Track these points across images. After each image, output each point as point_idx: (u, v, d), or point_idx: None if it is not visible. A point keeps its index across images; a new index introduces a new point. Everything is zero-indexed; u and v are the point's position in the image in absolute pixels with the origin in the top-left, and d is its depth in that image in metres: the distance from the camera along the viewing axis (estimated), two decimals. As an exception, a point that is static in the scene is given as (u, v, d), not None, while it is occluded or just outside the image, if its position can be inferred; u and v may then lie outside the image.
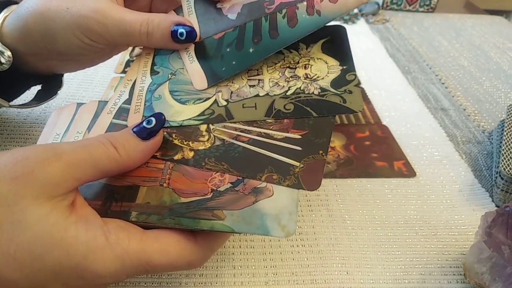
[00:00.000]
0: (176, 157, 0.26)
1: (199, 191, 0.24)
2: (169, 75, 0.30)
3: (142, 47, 0.32)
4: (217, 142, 0.26)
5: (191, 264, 0.23)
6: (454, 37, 0.70)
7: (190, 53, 0.31)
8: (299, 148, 0.26)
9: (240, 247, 0.31)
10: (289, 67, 0.30)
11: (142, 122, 0.25)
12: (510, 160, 0.36)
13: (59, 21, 0.29)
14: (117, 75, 0.44)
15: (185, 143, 0.27)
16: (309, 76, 0.29)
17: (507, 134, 0.39)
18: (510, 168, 0.35)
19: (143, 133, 0.25)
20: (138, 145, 0.24)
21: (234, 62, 0.29)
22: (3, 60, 0.30)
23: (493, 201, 0.37)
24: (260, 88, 0.29)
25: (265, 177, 0.24)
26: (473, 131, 0.46)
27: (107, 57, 0.34)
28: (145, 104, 0.28)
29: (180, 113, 0.28)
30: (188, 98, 0.29)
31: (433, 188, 0.38)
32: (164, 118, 0.26)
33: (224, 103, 0.28)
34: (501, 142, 0.39)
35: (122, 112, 0.28)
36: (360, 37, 0.66)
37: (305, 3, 0.30)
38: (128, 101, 0.29)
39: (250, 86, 0.29)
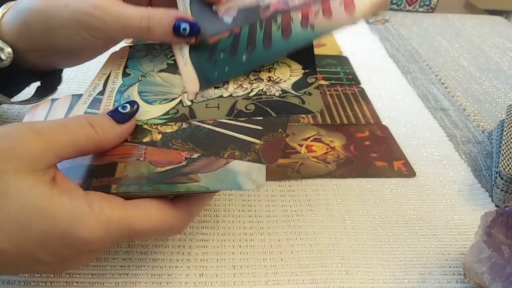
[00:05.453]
0: (145, 140, 0.27)
1: (174, 160, 0.26)
2: (140, 77, 0.31)
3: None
4: (184, 125, 0.28)
5: (173, 229, 0.25)
6: (454, 37, 0.70)
7: (184, 55, 0.31)
8: (260, 128, 0.27)
9: (240, 247, 0.31)
10: (254, 70, 0.31)
11: (117, 108, 0.27)
12: (510, 160, 0.36)
13: (58, 17, 0.29)
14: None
15: (153, 127, 0.28)
16: (272, 79, 0.30)
17: (506, 134, 0.39)
18: (510, 168, 0.35)
19: (118, 117, 0.26)
20: (113, 127, 0.26)
21: (226, 69, 0.30)
22: (3, 57, 0.30)
23: (492, 201, 0.37)
24: (224, 89, 0.30)
25: (228, 154, 0.26)
26: (472, 131, 0.46)
27: (106, 50, 0.34)
28: (114, 105, 0.29)
29: (146, 112, 0.29)
30: (155, 99, 0.30)
31: (433, 188, 0.38)
32: (138, 105, 0.28)
33: (189, 103, 0.29)
34: (500, 142, 0.39)
35: (96, 103, 0.30)
36: (360, 37, 0.66)
37: (300, 15, 0.30)
38: (102, 93, 0.30)
39: (214, 87, 0.30)
